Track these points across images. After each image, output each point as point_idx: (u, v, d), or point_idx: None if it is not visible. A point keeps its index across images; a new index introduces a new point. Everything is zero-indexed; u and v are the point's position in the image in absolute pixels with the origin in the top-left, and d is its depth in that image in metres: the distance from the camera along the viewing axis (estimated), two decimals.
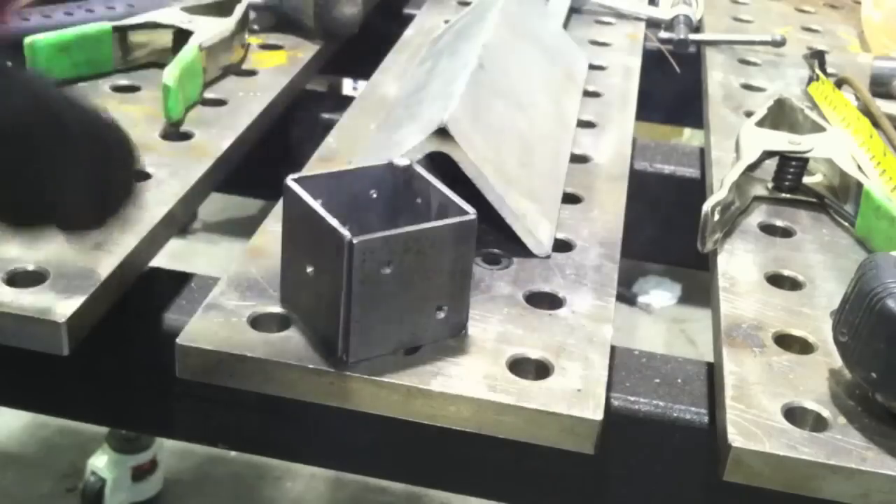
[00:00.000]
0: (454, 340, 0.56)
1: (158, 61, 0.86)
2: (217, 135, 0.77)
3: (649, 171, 0.87)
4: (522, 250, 0.65)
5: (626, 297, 2.25)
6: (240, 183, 0.81)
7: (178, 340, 0.54)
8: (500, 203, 0.64)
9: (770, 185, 0.76)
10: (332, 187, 0.56)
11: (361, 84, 1.30)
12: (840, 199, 0.73)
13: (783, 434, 0.51)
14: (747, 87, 0.96)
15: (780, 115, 0.80)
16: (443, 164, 0.62)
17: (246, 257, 0.62)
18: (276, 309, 0.57)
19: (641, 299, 2.30)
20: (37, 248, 0.59)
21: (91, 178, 0.38)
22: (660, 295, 2.31)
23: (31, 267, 0.59)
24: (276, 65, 0.92)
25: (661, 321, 2.26)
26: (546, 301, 0.61)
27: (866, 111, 0.85)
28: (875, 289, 0.50)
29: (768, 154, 0.74)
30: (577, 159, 0.79)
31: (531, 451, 0.54)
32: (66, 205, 0.39)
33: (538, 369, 0.55)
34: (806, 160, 0.75)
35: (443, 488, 0.69)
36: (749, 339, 0.58)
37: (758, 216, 0.73)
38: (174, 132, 0.77)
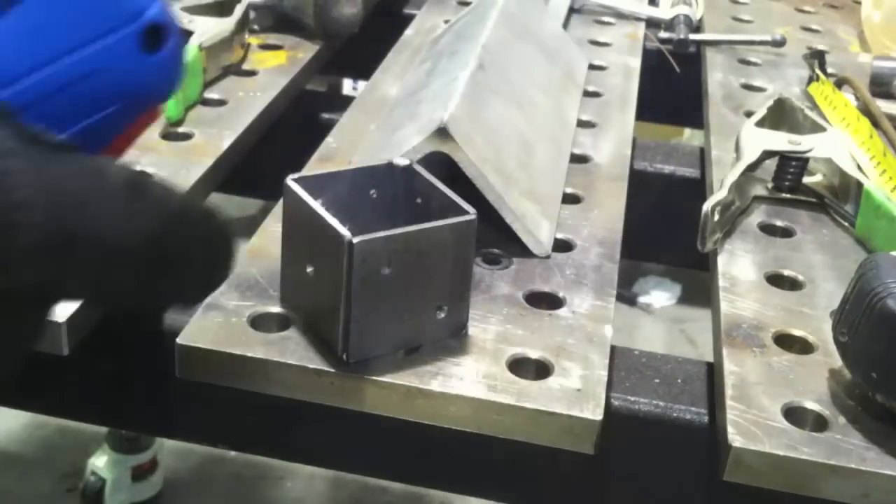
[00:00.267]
0: (454, 340, 0.56)
1: None
2: (217, 135, 0.77)
3: (649, 171, 0.87)
4: (522, 250, 0.65)
5: (626, 297, 2.26)
6: (240, 183, 0.81)
7: (178, 340, 0.54)
8: (499, 203, 0.64)
9: (770, 185, 0.76)
10: (332, 187, 0.56)
11: (361, 84, 1.30)
12: (840, 199, 0.73)
13: (783, 434, 0.51)
14: (747, 87, 0.96)
15: (780, 115, 0.80)
16: (442, 164, 0.62)
17: (246, 257, 0.62)
18: (276, 309, 0.57)
19: (641, 299, 2.30)
20: None
21: (204, 280, 0.42)
22: (660, 295, 2.32)
23: None
24: (276, 65, 0.92)
25: (661, 321, 2.26)
26: (546, 301, 0.61)
27: (866, 111, 0.85)
28: (875, 289, 0.50)
29: (768, 154, 0.74)
30: (577, 159, 0.79)
31: (531, 451, 0.54)
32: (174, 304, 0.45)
33: (538, 369, 0.55)
34: (806, 160, 0.75)
35: (443, 488, 0.69)
36: (749, 339, 0.58)
37: (758, 216, 0.73)
38: (174, 132, 0.77)
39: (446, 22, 1.01)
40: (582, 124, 0.85)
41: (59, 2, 0.39)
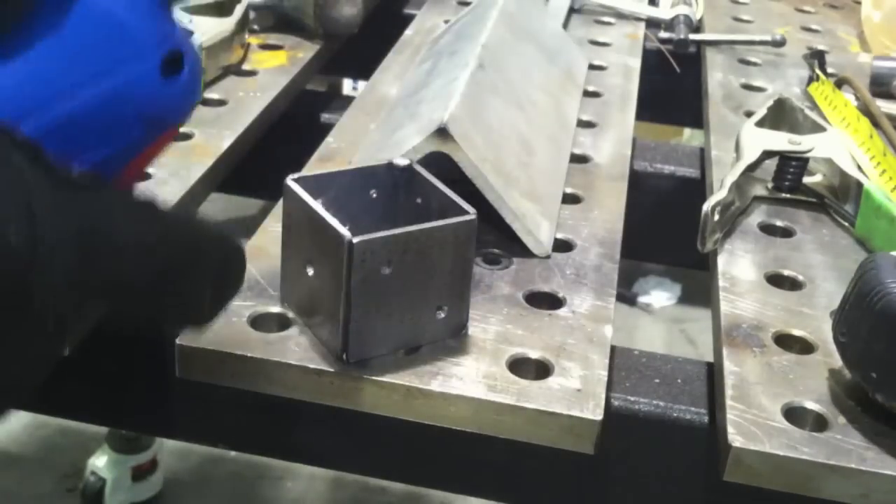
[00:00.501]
0: (454, 340, 0.56)
1: None
2: (217, 135, 0.77)
3: (649, 171, 0.87)
4: (522, 250, 0.65)
5: (626, 297, 2.26)
6: (240, 183, 0.81)
7: (178, 340, 0.54)
8: (499, 203, 0.64)
9: (770, 185, 0.76)
10: (332, 187, 0.56)
11: (361, 84, 1.30)
12: (840, 199, 0.73)
13: (783, 434, 0.51)
14: (747, 87, 0.96)
15: (780, 115, 0.80)
16: (442, 164, 0.62)
17: (246, 257, 0.62)
18: (276, 309, 0.57)
19: (641, 299, 2.30)
20: None
21: (217, 302, 0.45)
22: (660, 295, 2.32)
23: None
24: (276, 65, 0.92)
25: (661, 321, 2.26)
26: (546, 301, 0.61)
27: (866, 111, 0.85)
28: (875, 289, 0.50)
29: (768, 154, 0.74)
30: (577, 159, 0.79)
31: (531, 452, 0.54)
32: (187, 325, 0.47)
33: (538, 369, 0.55)
34: (806, 160, 0.75)
35: (443, 488, 0.69)
36: (749, 339, 0.58)
37: (758, 216, 0.73)
38: None
39: (446, 22, 1.01)
40: (582, 124, 0.85)
41: (83, 33, 0.40)
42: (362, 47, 1.01)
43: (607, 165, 0.78)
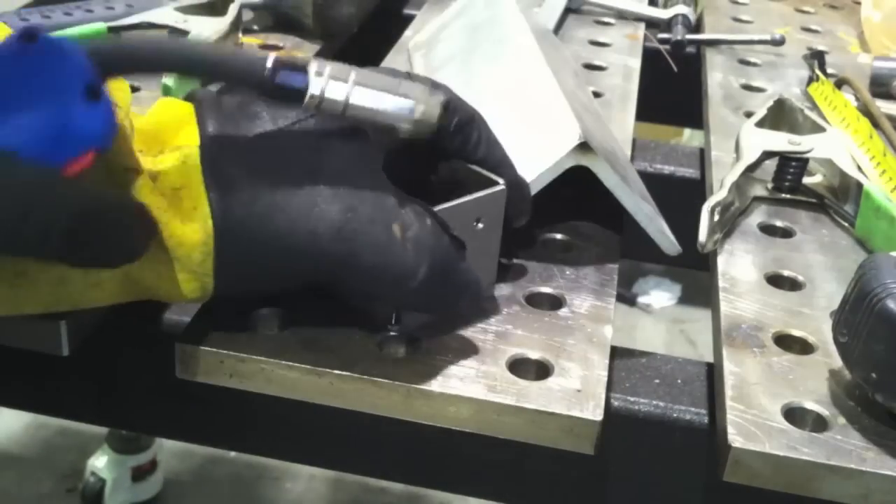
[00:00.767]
0: (454, 341, 0.56)
1: None
2: None
3: (649, 172, 0.87)
4: (522, 250, 0.65)
5: (626, 297, 2.26)
6: None
7: (177, 341, 0.54)
8: (636, 209, 0.63)
9: (770, 185, 0.76)
10: None
11: None
12: (840, 200, 0.73)
13: (783, 434, 0.51)
14: (747, 87, 0.96)
15: (780, 116, 0.80)
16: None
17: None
18: (276, 309, 0.57)
19: (641, 299, 2.30)
20: None
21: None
22: (660, 295, 2.31)
23: None
24: None
25: (661, 321, 2.26)
26: (546, 301, 0.61)
27: (866, 111, 0.85)
28: (875, 289, 0.50)
29: (768, 154, 0.74)
30: None
31: (531, 452, 0.54)
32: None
33: (538, 369, 0.55)
34: (806, 160, 0.75)
35: (443, 488, 0.69)
36: (749, 339, 0.58)
37: (758, 216, 0.73)
38: None
39: None
40: None
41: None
42: (362, 47, 1.01)
43: None
